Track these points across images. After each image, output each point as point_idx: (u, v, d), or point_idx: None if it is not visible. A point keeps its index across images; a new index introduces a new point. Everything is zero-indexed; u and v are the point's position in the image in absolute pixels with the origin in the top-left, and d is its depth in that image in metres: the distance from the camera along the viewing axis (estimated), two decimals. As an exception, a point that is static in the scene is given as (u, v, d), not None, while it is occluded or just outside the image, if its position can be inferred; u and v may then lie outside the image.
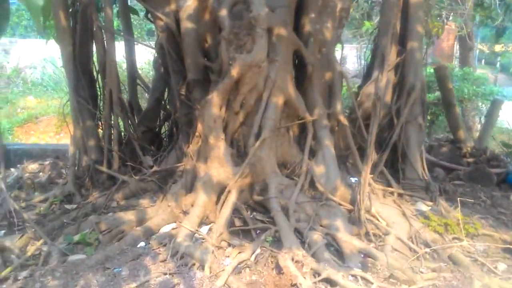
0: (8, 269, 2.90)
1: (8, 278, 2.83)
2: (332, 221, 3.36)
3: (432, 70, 6.40)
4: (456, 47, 13.57)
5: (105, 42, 4.12)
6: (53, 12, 3.93)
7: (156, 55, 4.43)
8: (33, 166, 5.11)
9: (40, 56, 13.72)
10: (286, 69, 3.68)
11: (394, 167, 4.28)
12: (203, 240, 3.22)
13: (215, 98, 3.43)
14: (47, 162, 5.22)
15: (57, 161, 5.23)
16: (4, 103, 11.54)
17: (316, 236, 3.17)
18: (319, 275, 2.78)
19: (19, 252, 3.13)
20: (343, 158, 4.13)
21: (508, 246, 3.29)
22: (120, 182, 3.99)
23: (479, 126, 8.99)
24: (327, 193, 3.59)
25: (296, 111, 3.82)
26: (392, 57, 4.14)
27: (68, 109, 4.38)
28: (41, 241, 3.26)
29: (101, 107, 4.39)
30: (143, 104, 5.29)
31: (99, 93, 4.48)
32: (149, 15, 4.37)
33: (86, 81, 4.26)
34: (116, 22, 4.83)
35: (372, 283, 2.76)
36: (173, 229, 3.44)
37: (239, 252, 3.07)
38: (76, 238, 3.29)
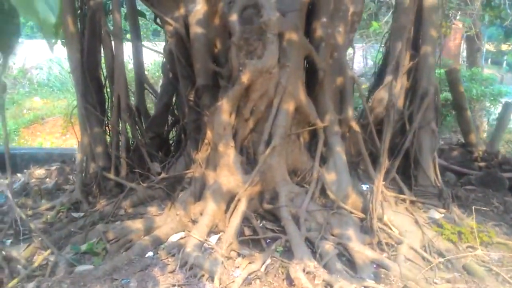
0: (15, 281, 2.85)
1: (16, 289, 2.78)
2: (344, 230, 3.29)
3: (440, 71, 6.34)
4: (463, 46, 13.46)
5: (113, 47, 4.06)
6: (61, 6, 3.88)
7: (164, 59, 4.37)
8: (39, 172, 5.08)
9: (46, 57, 13.72)
10: (297, 75, 3.61)
11: (406, 173, 4.21)
12: (212, 250, 3.16)
13: (224, 105, 3.37)
14: (53, 167, 5.20)
15: (63, 166, 5.21)
16: (10, 104, 11.55)
17: (328, 246, 3.11)
18: (331, 287, 2.71)
19: (25, 263, 3.08)
20: (354, 164, 4.06)
21: (524, 255, 3.23)
22: (127, 190, 3.94)
23: (486, 127, 8.92)
24: (338, 201, 3.52)
25: (307, 118, 3.75)
26: (405, 62, 4.07)
27: (74, 110, 4.34)
28: (48, 251, 3.21)
29: (109, 113, 4.34)
30: (149, 104, 5.24)
31: (106, 98, 4.43)
32: (158, 20, 4.31)
33: (94, 87, 4.22)
34: (123, 23, 4.77)
35: (386, 296, 2.70)
36: (181, 238, 3.38)
37: (249, 263, 3.01)
38: (84, 247, 3.25)
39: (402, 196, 3.88)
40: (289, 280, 2.81)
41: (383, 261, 3.04)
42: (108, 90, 4.39)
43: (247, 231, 3.42)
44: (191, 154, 4.08)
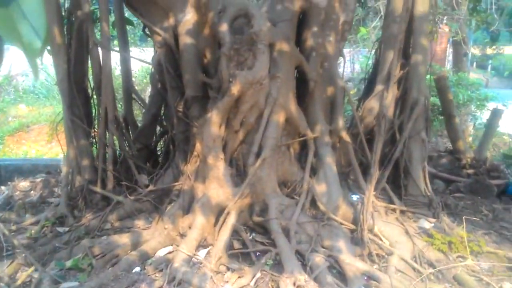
0: (-2, 299, 2.78)
1: (-2, 309, 2.70)
2: (334, 242, 3.26)
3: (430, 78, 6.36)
4: (449, 50, 13.60)
5: (100, 58, 4.00)
6: (48, 28, 3.81)
7: (152, 69, 4.32)
8: (24, 184, 4.96)
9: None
10: (288, 86, 3.59)
11: (396, 183, 4.19)
12: (201, 265, 3.10)
13: (214, 116, 3.32)
14: (38, 179, 5.08)
15: (49, 178, 5.09)
16: (-5, 111, 11.39)
17: (318, 259, 3.08)
18: (322, 301, 2.68)
19: (9, 280, 2.98)
20: (345, 175, 4.05)
21: (514, 265, 3.23)
22: (114, 203, 3.85)
23: (472, 131, 8.99)
24: (328, 213, 3.50)
25: (297, 128, 3.73)
26: (396, 71, 4.07)
27: (59, 118, 4.24)
28: (32, 267, 3.11)
29: (96, 125, 4.26)
30: (136, 110, 5.15)
31: (93, 110, 4.35)
32: (147, 30, 4.25)
33: (81, 98, 4.13)
34: (110, 30, 4.71)
35: (377, 309, 2.67)
36: (169, 252, 3.32)
37: (238, 277, 2.97)
38: (69, 263, 3.16)
39: (392, 206, 3.86)
40: (280, 294, 2.76)
41: (374, 273, 3.01)
42: (95, 101, 4.30)
43: (237, 244, 3.37)
44: (179, 166, 4.02)
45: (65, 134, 4.12)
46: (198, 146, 3.57)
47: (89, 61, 4.17)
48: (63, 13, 4.09)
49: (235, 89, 3.25)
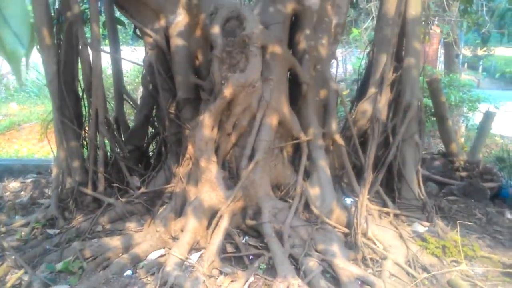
0: (-14, 304, 2.73)
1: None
2: (328, 246, 3.23)
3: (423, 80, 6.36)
4: (441, 51, 13.66)
5: (91, 59, 3.94)
6: (36, 29, 3.76)
7: (144, 71, 4.27)
8: (14, 185, 4.91)
9: (23, 62, 13.39)
10: (280, 88, 3.56)
11: (389, 186, 4.18)
12: (193, 269, 3.07)
13: (206, 119, 3.28)
14: (29, 180, 5.03)
15: (39, 179, 5.04)
16: (-14, 110, 11.28)
17: (312, 263, 3.05)
18: (316, 306, 2.66)
19: (-2, 283, 2.96)
20: (338, 178, 4.03)
21: (508, 270, 3.21)
22: (105, 205, 3.81)
23: (464, 132, 9.03)
24: (322, 216, 3.48)
25: (290, 131, 3.70)
26: (389, 74, 4.05)
27: (50, 117, 4.19)
28: (22, 270, 3.08)
29: (86, 126, 4.21)
30: (128, 109, 5.08)
31: (84, 111, 4.29)
32: (138, 31, 4.21)
33: (71, 100, 4.06)
34: (101, 30, 4.66)
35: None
36: (161, 256, 3.28)
37: (231, 281, 2.94)
38: (59, 266, 3.11)
39: (386, 209, 3.84)
40: (273, 299, 2.74)
41: (367, 278, 2.99)
42: (86, 102, 4.25)
43: (230, 248, 3.34)
44: (171, 168, 3.99)
45: (55, 136, 4.07)
46: (190, 148, 3.53)
47: (79, 62, 4.12)
48: (52, 14, 4.02)
49: (227, 92, 3.21)
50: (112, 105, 4.80)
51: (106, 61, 4.71)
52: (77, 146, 4.10)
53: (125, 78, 11.13)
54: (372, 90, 4.10)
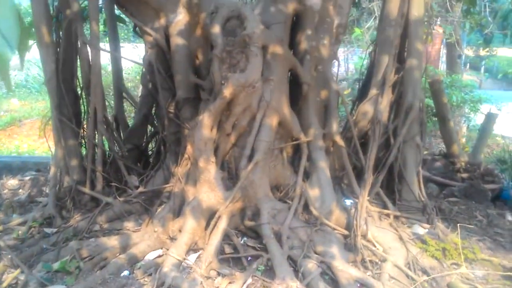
0: (-18, 303, 2.71)
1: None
2: (327, 247, 3.21)
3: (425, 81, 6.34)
4: (443, 51, 13.63)
5: (90, 58, 3.91)
6: (35, 27, 3.73)
7: (144, 70, 4.25)
8: (12, 182, 4.89)
9: (17, 63, 13.42)
10: (281, 89, 3.53)
11: (390, 187, 4.15)
12: (191, 270, 3.06)
13: (206, 119, 3.25)
14: (27, 178, 5.01)
15: (38, 177, 5.02)
16: (-13, 106, 11.29)
17: (311, 265, 3.04)
18: (314, 309, 2.64)
19: (-6, 282, 2.93)
20: (338, 179, 4.00)
21: (509, 273, 3.19)
22: (103, 204, 3.79)
23: (466, 132, 9.01)
24: (321, 218, 3.45)
25: (290, 132, 3.67)
26: (390, 75, 4.02)
27: (50, 113, 4.17)
28: (19, 270, 3.06)
29: (85, 125, 4.18)
30: (128, 107, 5.04)
31: (82, 110, 4.27)
32: (138, 29, 4.18)
33: (70, 98, 4.04)
34: (101, 27, 4.64)
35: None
36: (159, 256, 3.27)
37: (229, 283, 2.93)
38: (56, 266, 3.10)
39: (386, 211, 3.82)
40: (271, 301, 2.73)
41: (367, 280, 2.96)
42: (84, 101, 4.22)
43: (228, 249, 3.32)
44: (170, 167, 3.97)
45: (53, 134, 4.04)
46: (189, 148, 3.50)
47: (78, 60, 4.09)
48: (52, 12, 4.00)
49: (227, 92, 3.18)
50: (111, 103, 4.78)
51: (107, 58, 4.68)
52: (75, 144, 4.08)
53: (126, 75, 11.14)
54: (373, 91, 4.07)
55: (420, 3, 3.97)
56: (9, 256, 3.15)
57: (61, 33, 4.00)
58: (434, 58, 13.39)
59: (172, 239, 3.33)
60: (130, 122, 4.78)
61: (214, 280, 2.99)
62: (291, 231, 3.32)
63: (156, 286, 2.84)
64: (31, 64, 13.65)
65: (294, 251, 3.19)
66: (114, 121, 4.40)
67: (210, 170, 3.31)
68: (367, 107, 4.11)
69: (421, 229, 3.73)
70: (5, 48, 0.83)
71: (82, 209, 3.92)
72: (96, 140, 4.02)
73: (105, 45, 4.55)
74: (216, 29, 3.21)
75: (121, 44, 4.83)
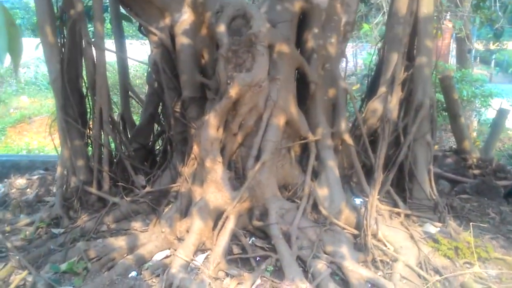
0: (-10, 305, 2.71)
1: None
2: (337, 247, 3.17)
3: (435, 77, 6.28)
4: (453, 45, 13.50)
5: (95, 57, 3.89)
6: (39, 28, 3.72)
7: (149, 68, 4.22)
8: (20, 181, 4.89)
9: (33, 55, 13.48)
10: (288, 88, 3.49)
11: (400, 186, 4.10)
12: (199, 271, 3.03)
13: (212, 119, 3.22)
14: (35, 177, 5.01)
15: (45, 176, 5.02)
16: (-3, 103, 11.39)
17: (320, 265, 3.00)
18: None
19: (2, 284, 2.93)
20: (347, 177, 3.96)
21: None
22: (110, 204, 3.79)
23: (477, 127, 8.92)
24: (331, 217, 3.42)
25: (298, 131, 3.64)
26: (400, 73, 3.96)
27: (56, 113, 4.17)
28: (26, 271, 3.05)
29: (91, 125, 4.17)
30: (134, 105, 5.02)
31: (88, 110, 4.25)
32: (143, 29, 4.15)
33: (75, 99, 4.03)
34: (108, 25, 4.62)
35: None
36: (166, 257, 3.25)
37: (238, 283, 2.90)
38: (63, 267, 3.09)
39: (396, 209, 3.77)
40: (280, 302, 2.70)
41: (378, 280, 2.92)
42: (90, 101, 4.21)
43: (236, 249, 3.29)
44: (177, 167, 3.95)
45: (59, 135, 4.04)
46: (195, 148, 3.48)
47: (83, 60, 4.08)
48: (56, 12, 3.98)
49: (233, 92, 3.14)
50: (116, 102, 4.76)
51: (113, 55, 4.67)
52: (81, 145, 4.07)
53: (135, 72, 11.17)
54: (382, 89, 4.01)
55: (429, 0, 3.89)
56: (17, 257, 3.14)
57: (65, 33, 3.99)
58: (444, 53, 13.28)
59: (180, 239, 3.31)
60: (137, 121, 4.76)
61: (223, 281, 2.96)
62: (300, 231, 3.29)
63: (164, 287, 2.82)
64: (40, 62, 13.74)
65: (303, 251, 3.16)
66: (120, 119, 4.39)
67: (216, 170, 3.28)
68: (376, 104, 4.05)
69: (432, 228, 3.67)
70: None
71: (89, 210, 3.91)
72: (102, 140, 4.02)
73: (112, 42, 4.51)
74: (222, 28, 3.17)
75: (129, 41, 4.82)
